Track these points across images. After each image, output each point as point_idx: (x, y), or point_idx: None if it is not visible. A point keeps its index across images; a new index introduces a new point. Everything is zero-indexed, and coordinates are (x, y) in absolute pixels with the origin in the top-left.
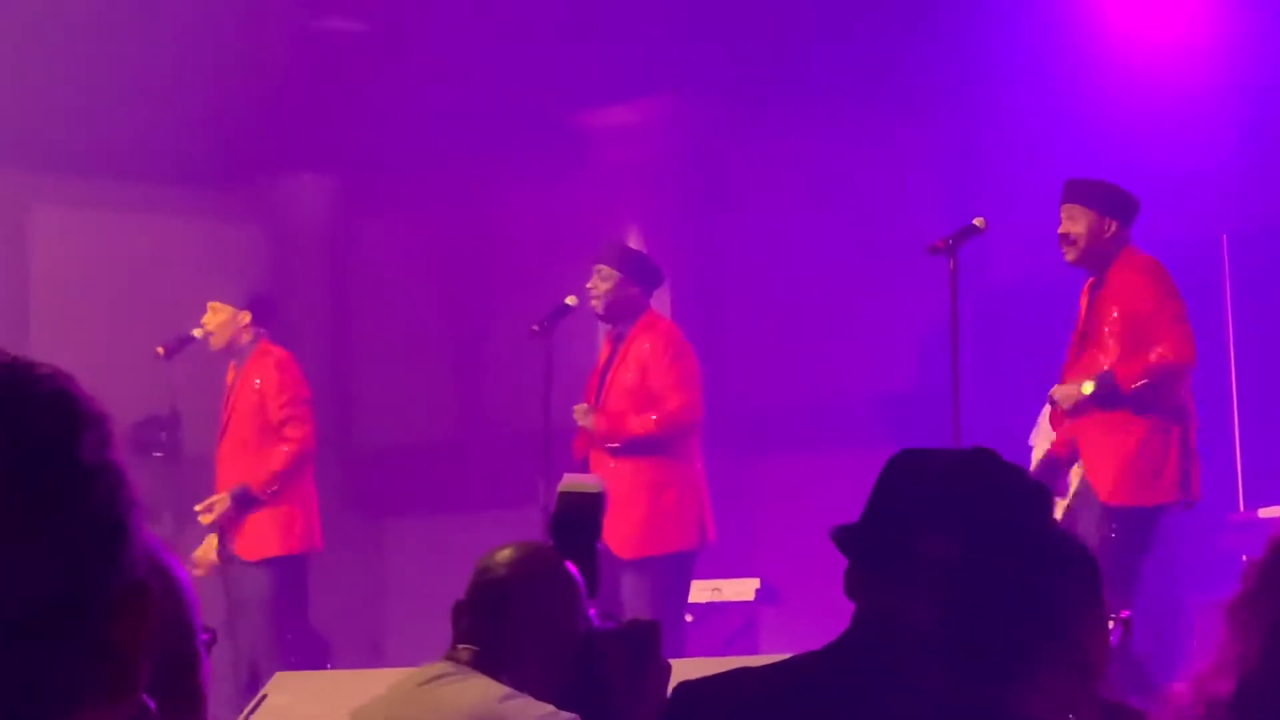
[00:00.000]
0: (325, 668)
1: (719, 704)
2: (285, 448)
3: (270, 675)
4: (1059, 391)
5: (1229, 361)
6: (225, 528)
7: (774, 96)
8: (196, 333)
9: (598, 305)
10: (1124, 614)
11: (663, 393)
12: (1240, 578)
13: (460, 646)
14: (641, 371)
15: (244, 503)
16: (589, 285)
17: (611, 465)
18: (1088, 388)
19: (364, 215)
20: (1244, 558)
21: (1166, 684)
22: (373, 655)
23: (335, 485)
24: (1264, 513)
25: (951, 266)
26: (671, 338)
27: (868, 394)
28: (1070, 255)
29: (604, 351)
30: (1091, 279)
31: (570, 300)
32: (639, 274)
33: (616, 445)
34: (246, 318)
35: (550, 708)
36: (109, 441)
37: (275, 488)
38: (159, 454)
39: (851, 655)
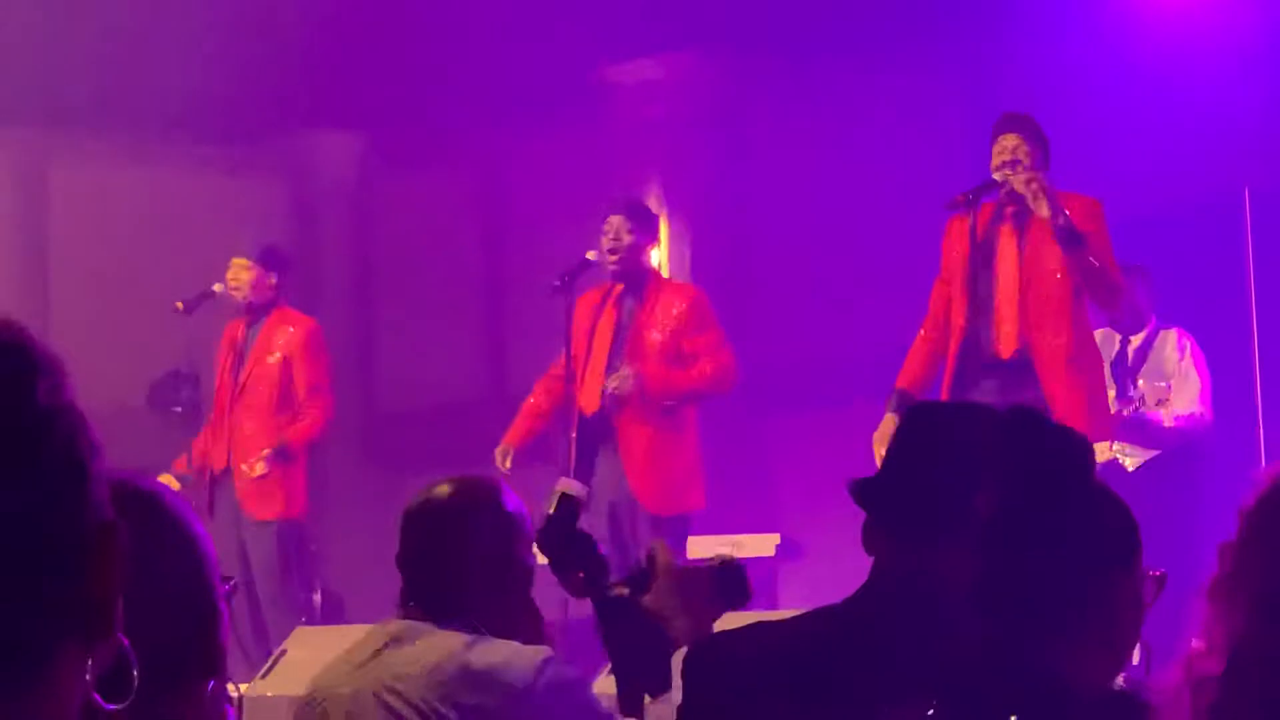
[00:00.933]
0: (343, 622)
1: (738, 658)
2: (316, 416)
3: (289, 633)
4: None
5: (1251, 316)
6: (236, 489)
7: (797, 51)
8: (217, 288)
9: (615, 260)
10: (1157, 572)
11: (701, 354)
12: (1217, 558)
13: (410, 604)
14: (674, 333)
15: (284, 458)
16: (606, 238)
17: (644, 427)
18: (1058, 219)
19: (386, 173)
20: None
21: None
22: (390, 612)
23: (356, 444)
24: None
25: (971, 221)
26: (704, 300)
27: (889, 349)
28: (1018, 186)
29: (608, 314)
30: (1009, 208)
31: (591, 255)
32: (650, 229)
33: (670, 403)
34: (273, 279)
35: (515, 645)
36: (63, 386)
37: (303, 451)
38: (179, 410)
39: (870, 608)
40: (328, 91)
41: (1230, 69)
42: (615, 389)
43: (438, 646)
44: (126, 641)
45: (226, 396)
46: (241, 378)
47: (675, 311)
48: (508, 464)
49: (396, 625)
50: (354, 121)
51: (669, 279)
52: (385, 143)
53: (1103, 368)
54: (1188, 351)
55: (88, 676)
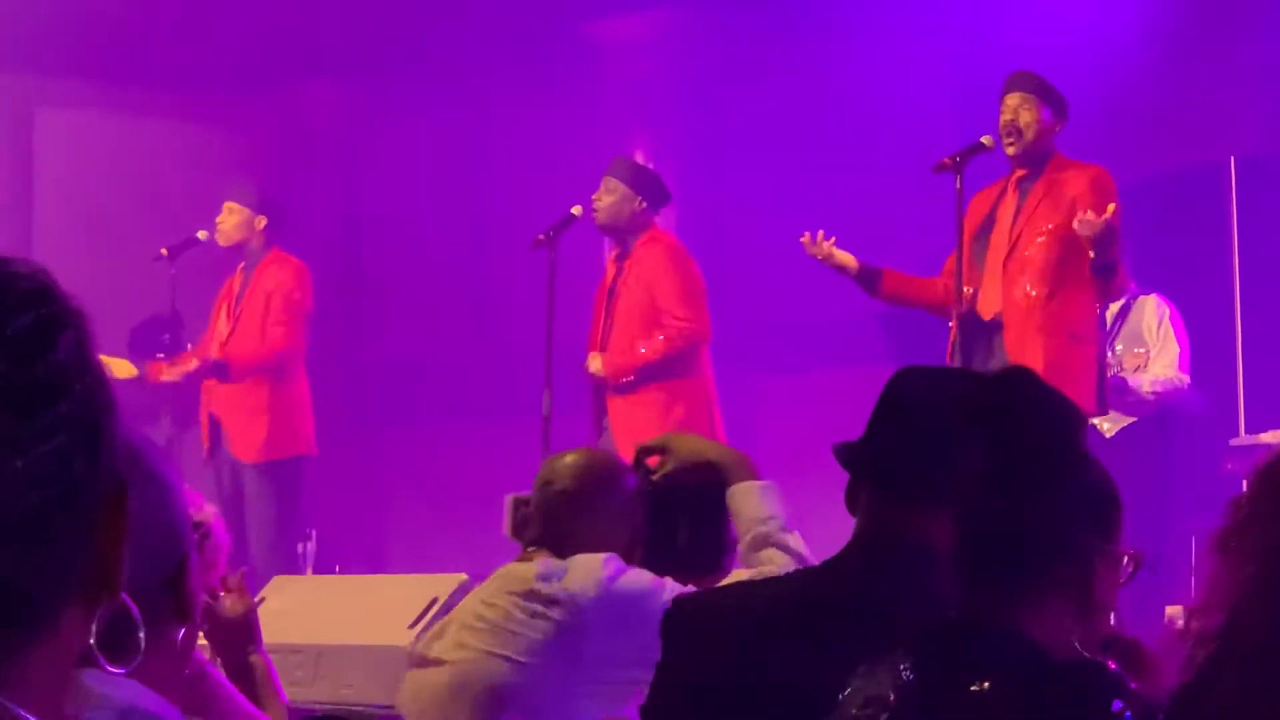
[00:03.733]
0: (334, 570)
1: (718, 616)
2: (269, 347)
3: (269, 578)
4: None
5: (1234, 285)
6: (226, 431)
7: (782, 11)
8: (201, 235)
9: (599, 215)
10: (1135, 550)
11: (667, 308)
12: (1227, 511)
13: (532, 549)
14: (647, 289)
15: (213, 372)
16: (594, 196)
17: (621, 400)
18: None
19: (368, 124)
20: (1245, 483)
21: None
22: (371, 561)
23: (340, 394)
24: (1266, 438)
25: (958, 185)
26: (674, 252)
27: (872, 312)
28: (1015, 149)
29: (609, 272)
30: (1016, 174)
31: (576, 210)
32: (646, 190)
33: (631, 379)
34: (262, 222)
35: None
36: (87, 341)
37: (244, 377)
38: (161, 355)
39: (852, 569)
40: (311, 42)
41: (1216, 36)
42: (593, 372)
43: (584, 567)
44: (131, 603)
45: (217, 336)
46: (231, 318)
47: (649, 264)
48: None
49: (531, 565)
50: (337, 72)
51: (662, 233)
52: (368, 94)
53: (1094, 338)
54: (1165, 317)
55: (91, 639)
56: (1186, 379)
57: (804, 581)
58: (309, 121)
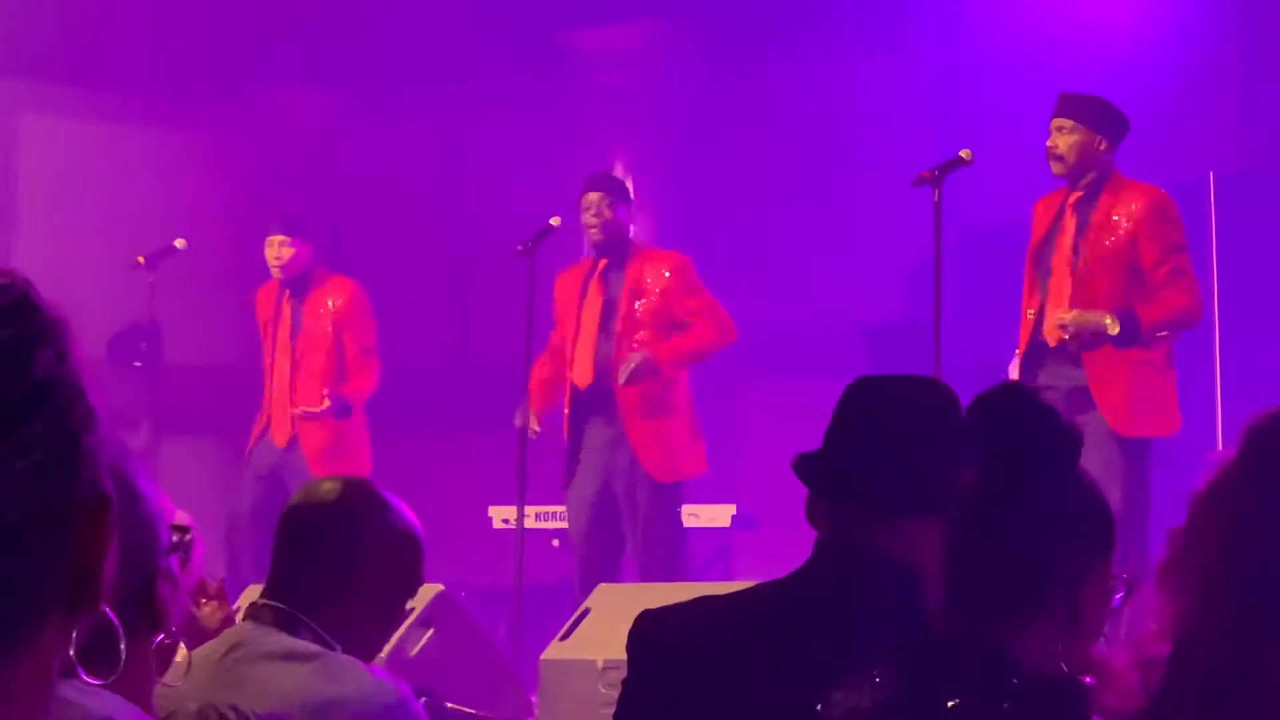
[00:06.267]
0: None
1: (683, 631)
2: (369, 376)
3: None
4: (1076, 319)
5: (1213, 300)
6: (306, 445)
7: (764, 24)
8: (179, 243)
9: (597, 234)
10: (1127, 575)
11: (693, 317)
12: (1166, 543)
13: (265, 603)
14: (662, 299)
15: (342, 412)
16: (587, 214)
17: (645, 396)
18: (1113, 327)
19: (348, 132)
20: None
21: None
22: None
23: None
24: None
25: (936, 198)
26: (688, 264)
27: (850, 324)
28: (1058, 169)
29: (596, 287)
30: (1073, 196)
31: (554, 221)
32: (628, 202)
33: (682, 368)
34: (310, 250)
35: (365, 674)
36: (67, 354)
37: (359, 409)
38: (138, 364)
39: (813, 582)
40: (291, 49)
41: (1196, 53)
42: (629, 379)
43: (283, 668)
44: (112, 614)
45: (278, 365)
46: (294, 341)
47: (663, 278)
48: (536, 429)
49: (241, 630)
50: (317, 79)
51: (650, 247)
52: (347, 101)
53: (1168, 362)
54: None
55: (71, 650)
56: None
57: (770, 595)
58: (288, 128)
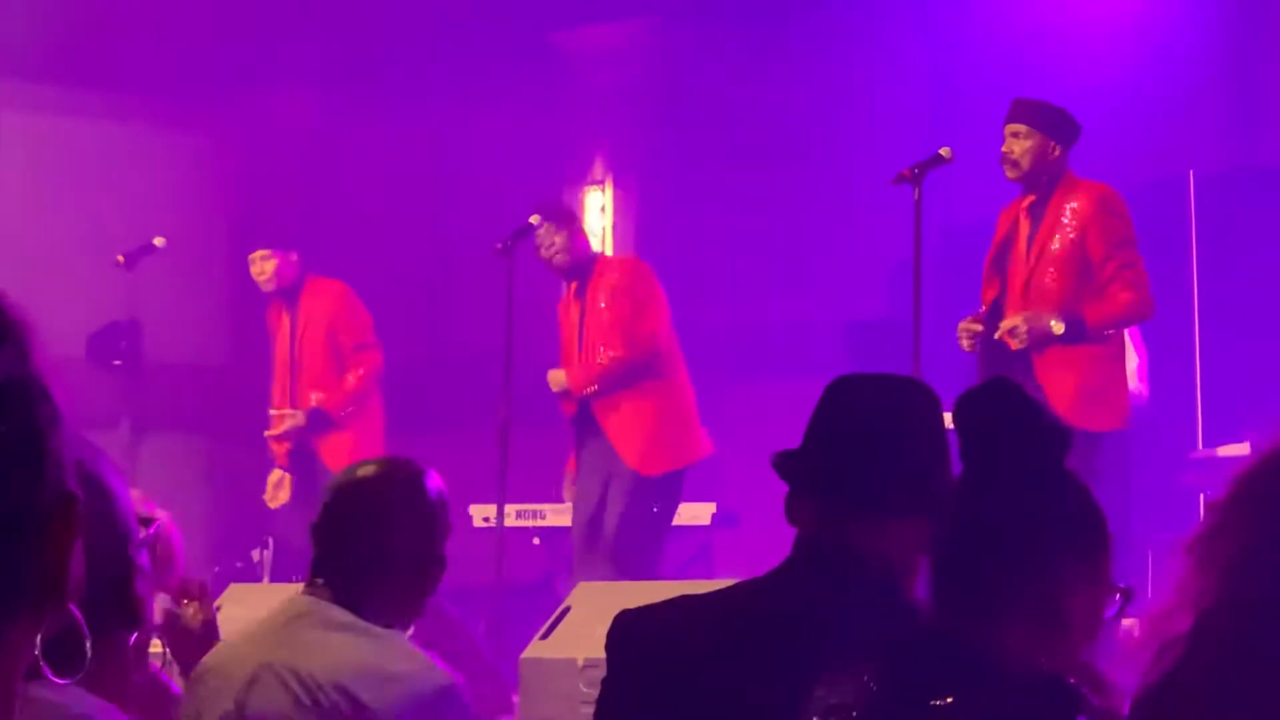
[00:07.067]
0: (292, 579)
1: (662, 630)
2: (360, 371)
3: None
4: (1023, 325)
5: (1192, 298)
6: (310, 445)
7: (748, 25)
8: (158, 242)
9: (563, 260)
10: (1123, 585)
11: (628, 319)
12: (1204, 515)
13: (318, 580)
14: (611, 304)
15: (319, 422)
16: (545, 246)
17: (615, 402)
18: (1058, 328)
19: (332, 131)
20: (1203, 496)
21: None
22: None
23: None
24: (1223, 451)
25: (917, 196)
26: (632, 268)
27: (831, 322)
28: (1012, 174)
29: (573, 308)
30: (1027, 200)
31: (534, 219)
32: (573, 221)
33: (595, 388)
34: (295, 256)
35: (424, 658)
36: (29, 356)
37: (349, 409)
38: (118, 363)
39: (792, 581)
40: (274, 47)
41: (1175, 51)
42: (558, 389)
43: (345, 638)
44: (79, 613)
45: (283, 370)
46: (293, 351)
47: (612, 282)
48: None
49: (303, 602)
50: (300, 78)
51: (610, 257)
52: (330, 100)
53: (1119, 355)
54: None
55: (37, 650)
56: (1145, 390)
57: (750, 594)
58: (271, 126)
